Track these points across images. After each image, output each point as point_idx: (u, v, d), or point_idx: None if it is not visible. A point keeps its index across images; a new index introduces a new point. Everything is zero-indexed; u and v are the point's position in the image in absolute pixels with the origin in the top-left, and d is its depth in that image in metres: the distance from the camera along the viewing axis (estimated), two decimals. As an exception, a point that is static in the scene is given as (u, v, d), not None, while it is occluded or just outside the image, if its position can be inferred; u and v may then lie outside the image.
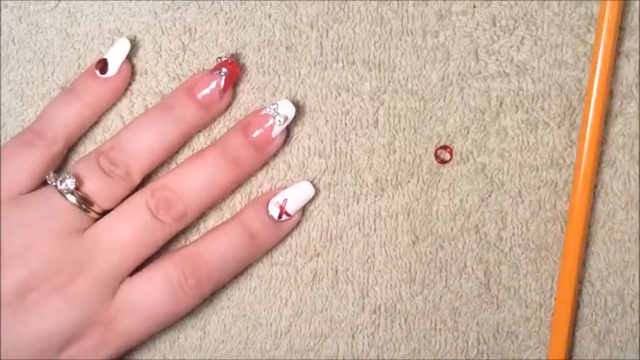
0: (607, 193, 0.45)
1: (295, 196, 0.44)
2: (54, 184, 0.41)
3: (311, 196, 0.44)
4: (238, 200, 0.45)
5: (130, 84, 0.45)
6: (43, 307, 0.40)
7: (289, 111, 0.43)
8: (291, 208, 0.44)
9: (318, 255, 0.45)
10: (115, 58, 0.44)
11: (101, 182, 0.41)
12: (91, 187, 0.41)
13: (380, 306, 0.45)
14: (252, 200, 0.44)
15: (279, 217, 0.43)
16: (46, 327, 0.40)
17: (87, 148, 0.45)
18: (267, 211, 0.43)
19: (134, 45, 0.45)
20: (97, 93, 0.44)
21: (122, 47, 0.44)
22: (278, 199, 0.43)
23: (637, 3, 0.44)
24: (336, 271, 0.45)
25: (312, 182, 0.45)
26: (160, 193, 0.42)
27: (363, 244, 0.45)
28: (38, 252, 0.40)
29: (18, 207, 0.41)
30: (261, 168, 0.45)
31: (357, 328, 0.45)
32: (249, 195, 0.45)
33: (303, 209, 0.45)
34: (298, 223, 0.45)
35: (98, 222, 0.42)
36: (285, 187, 0.44)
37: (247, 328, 0.45)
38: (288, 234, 0.45)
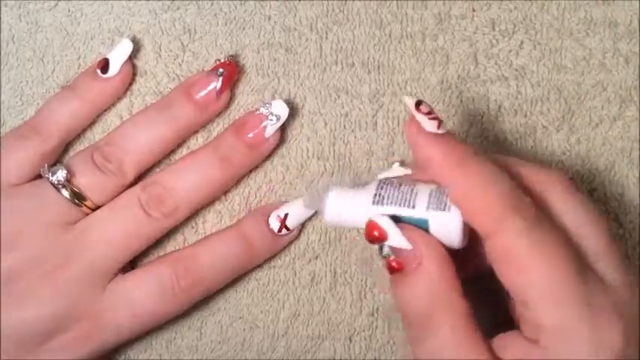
0: (606, 197, 0.45)
1: (297, 211, 0.44)
2: (46, 175, 0.41)
3: (312, 213, 0.44)
4: (237, 202, 0.45)
5: (129, 84, 0.45)
6: (28, 296, 0.40)
7: (282, 111, 0.43)
8: (291, 223, 0.44)
9: (316, 257, 0.45)
10: (117, 59, 0.44)
11: (93, 177, 0.42)
12: (82, 181, 0.42)
13: (377, 308, 0.45)
14: (253, 210, 0.45)
15: (279, 230, 0.43)
16: (31, 315, 0.40)
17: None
18: (268, 224, 0.43)
19: (134, 45, 0.45)
20: (96, 92, 0.44)
21: (124, 48, 0.44)
22: (279, 212, 0.43)
23: (636, 4, 0.45)
24: (335, 274, 0.45)
25: (310, 184, 0.45)
26: (152, 188, 0.42)
27: (362, 247, 0.45)
28: (27, 241, 0.41)
29: (11, 197, 0.42)
30: (258, 169, 0.45)
31: (355, 331, 0.45)
32: (247, 197, 0.45)
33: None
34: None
35: (89, 215, 0.42)
36: (287, 202, 0.44)
37: (244, 329, 0.45)
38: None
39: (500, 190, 0.34)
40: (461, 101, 0.45)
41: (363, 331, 0.45)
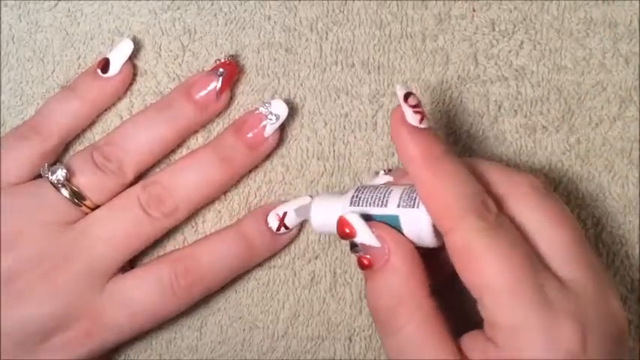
0: (605, 197, 0.45)
1: (295, 210, 0.44)
2: (46, 175, 0.41)
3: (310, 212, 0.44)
4: (237, 202, 0.45)
5: (129, 84, 0.45)
6: (28, 295, 0.40)
7: (282, 110, 0.43)
8: (290, 221, 0.44)
9: (316, 257, 0.45)
10: (117, 59, 0.44)
11: (93, 176, 0.42)
12: (82, 181, 0.42)
13: (378, 309, 0.45)
14: (252, 210, 0.45)
15: (278, 229, 0.43)
16: (30, 314, 0.40)
17: (86, 148, 0.45)
18: (267, 222, 0.43)
19: (134, 45, 0.45)
20: (96, 92, 0.44)
21: (125, 48, 0.44)
22: (278, 211, 0.43)
23: (636, 4, 0.45)
24: (334, 274, 0.45)
25: (310, 184, 0.45)
26: (152, 188, 0.42)
27: (361, 247, 0.45)
28: (27, 241, 0.41)
29: (10, 196, 0.42)
30: (258, 169, 0.45)
31: (355, 331, 0.45)
32: (247, 197, 0.45)
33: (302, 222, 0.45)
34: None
35: (89, 215, 0.42)
36: (286, 201, 0.44)
37: (244, 330, 0.45)
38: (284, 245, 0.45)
39: (463, 190, 0.35)
40: (461, 101, 0.45)
41: (363, 331, 0.45)
